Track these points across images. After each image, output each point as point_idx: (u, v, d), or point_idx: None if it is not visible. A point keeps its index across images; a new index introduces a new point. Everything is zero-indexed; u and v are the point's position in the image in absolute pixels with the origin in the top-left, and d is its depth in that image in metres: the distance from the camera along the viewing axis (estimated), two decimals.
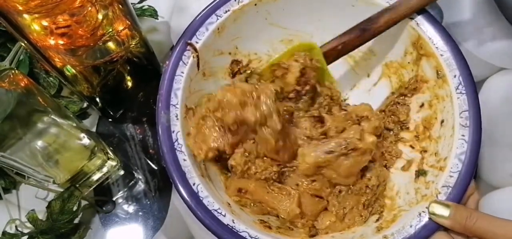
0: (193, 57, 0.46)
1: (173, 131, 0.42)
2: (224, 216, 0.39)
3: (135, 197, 0.50)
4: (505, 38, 0.57)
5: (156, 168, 0.52)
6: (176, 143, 0.42)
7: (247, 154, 0.44)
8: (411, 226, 0.39)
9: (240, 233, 0.38)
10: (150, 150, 0.53)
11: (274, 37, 0.52)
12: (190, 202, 0.40)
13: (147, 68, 0.52)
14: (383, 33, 0.48)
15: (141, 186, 0.51)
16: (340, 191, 0.45)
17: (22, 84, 0.40)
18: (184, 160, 0.41)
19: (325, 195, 0.44)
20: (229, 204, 0.43)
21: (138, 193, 0.50)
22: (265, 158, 0.45)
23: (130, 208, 0.50)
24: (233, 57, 0.51)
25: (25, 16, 0.35)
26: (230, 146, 0.43)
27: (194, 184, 0.40)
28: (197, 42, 0.46)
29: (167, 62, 0.45)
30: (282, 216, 0.43)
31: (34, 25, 0.37)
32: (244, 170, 0.45)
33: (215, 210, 0.39)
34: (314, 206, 0.44)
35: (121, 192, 0.50)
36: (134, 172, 0.51)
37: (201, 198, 0.40)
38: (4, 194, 0.50)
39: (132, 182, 0.51)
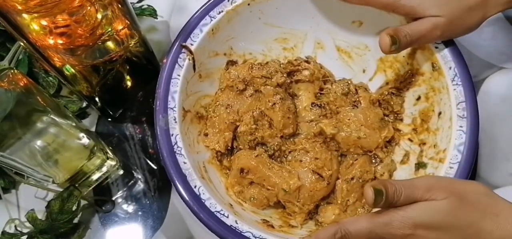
0: (189, 59, 0.46)
1: (172, 135, 0.43)
2: (227, 217, 0.39)
3: (135, 196, 0.50)
4: (505, 38, 0.57)
5: (155, 167, 0.52)
6: (175, 146, 0.42)
7: (254, 117, 0.46)
8: None
9: (244, 234, 0.39)
10: (150, 150, 0.53)
11: (268, 36, 0.52)
12: (192, 205, 0.40)
13: (147, 67, 0.52)
14: (377, 27, 0.49)
15: (140, 185, 0.51)
16: (352, 178, 0.45)
17: (21, 84, 0.40)
18: (184, 162, 0.42)
19: (326, 175, 0.44)
20: (231, 205, 0.43)
21: (137, 193, 0.50)
22: (270, 128, 0.46)
23: (130, 208, 0.50)
24: (228, 57, 0.51)
25: (24, 15, 0.35)
26: (239, 114, 0.47)
27: (195, 187, 0.41)
28: (192, 44, 0.46)
29: (163, 65, 0.45)
30: (283, 188, 0.43)
31: (33, 24, 0.37)
32: (252, 131, 0.46)
33: (218, 212, 0.40)
34: (313, 184, 0.44)
35: (120, 192, 0.50)
36: (133, 171, 0.51)
37: (203, 200, 0.40)
38: (3, 194, 0.50)
39: (132, 181, 0.51)
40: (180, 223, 0.49)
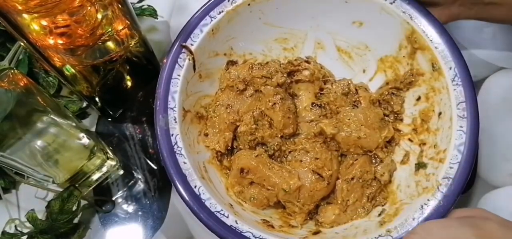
0: (189, 59, 0.46)
1: (172, 135, 0.43)
2: (227, 217, 0.39)
3: (135, 196, 0.50)
4: (505, 38, 0.57)
5: (155, 167, 0.52)
6: (175, 146, 0.42)
7: (254, 117, 0.46)
8: (413, 219, 0.39)
9: (244, 234, 0.39)
10: (150, 150, 0.53)
11: (268, 36, 0.52)
12: (193, 205, 0.40)
13: (147, 67, 0.52)
14: (378, 27, 0.49)
15: (140, 185, 0.51)
16: (352, 178, 0.45)
17: (22, 84, 0.40)
18: (184, 163, 0.42)
19: (326, 175, 0.44)
20: (231, 205, 0.43)
21: (137, 193, 0.50)
22: (270, 128, 0.46)
23: (130, 208, 0.50)
24: (228, 58, 0.51)
25: (25, 15, 0.35)
26: (239, 114, 0.47)
27: (195, 187, 0.41)
28: (192, 44, 0.46)
29: (163, 65, 0.45)
30: (284, 188, 0.43)
31: (34, 24, 0.37)
32: (252, 131, 0.46)
33: (218, 212, 0.40)
34: (313, 184, 0.44)
35: (120, 192, 0.50)
36: (133, 171, 0.51)
37: (203, 200, 0.40)
38: (3, 194, 0.50)
39: (132, 181, 0.51)
40: (180, 223, 0.49)
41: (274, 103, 0.46)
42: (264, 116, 0.46)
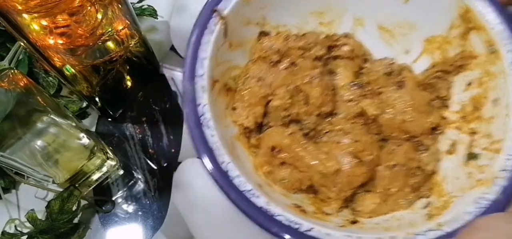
0: (221, 24, 0.42)
1: (199, 105, 0.38)
2: (258, 198, 0.35)
3: (135, 196, 0.50)
4: None
5: (155, 167, 0.52)
6: (202, 117, 0.38)
7: (289, 92, 0.43)
8: (469, 213, 0.35)
9: (276, 217, 0.34)
10: (150, 150, 0.53)
11: (304, 8, 0.47)
12: (221, 182, 0.35)
13: (147, 67, 0.52)
14: (426, 4, 0.45)
15: (140, 185, 0.51)
16: (394, 165, 0.41)
17: (22, 84, 0.40)
18: (212, 135, 0.37)
19: (366, 160, 0.40)
20: (260, 185, 0.38)
21: (137, 193, 0.50)
22: (306, 105, 0.43)
23: (130, 208, 0.50)
24: (261, 28, 0.46)
25: (25, 15, 0.35)
26: (272, 88, 0.43)
27: (223, 163, 0.36)
28: (224, 9, 0.42)
29: (191, 31, 0.41)
30: (320, 171, 0.39)
31: (34, 24, 0.37)
32: (287, 107, 0.42)
33: (248, 191, 0.35)
34: (352, 169, 0.40)
35: (120, 192, 0.50)
36: (133, 171, 0.51)
37: (231, 178, 0.36)
38: (3, 194, 0.50)
39: (132, 181, 0.51)
40: (180, 223, 0.49)
41: (312, 78, 0.42)
42: (299, 92, 0.43)
